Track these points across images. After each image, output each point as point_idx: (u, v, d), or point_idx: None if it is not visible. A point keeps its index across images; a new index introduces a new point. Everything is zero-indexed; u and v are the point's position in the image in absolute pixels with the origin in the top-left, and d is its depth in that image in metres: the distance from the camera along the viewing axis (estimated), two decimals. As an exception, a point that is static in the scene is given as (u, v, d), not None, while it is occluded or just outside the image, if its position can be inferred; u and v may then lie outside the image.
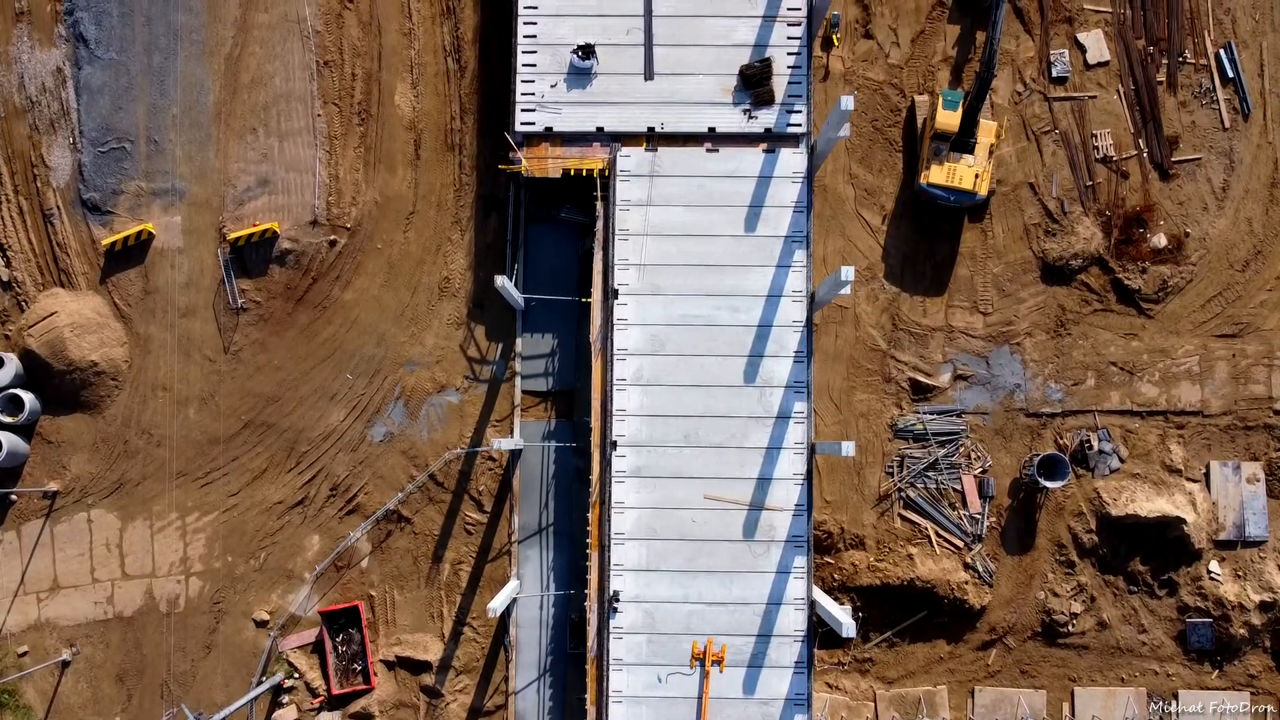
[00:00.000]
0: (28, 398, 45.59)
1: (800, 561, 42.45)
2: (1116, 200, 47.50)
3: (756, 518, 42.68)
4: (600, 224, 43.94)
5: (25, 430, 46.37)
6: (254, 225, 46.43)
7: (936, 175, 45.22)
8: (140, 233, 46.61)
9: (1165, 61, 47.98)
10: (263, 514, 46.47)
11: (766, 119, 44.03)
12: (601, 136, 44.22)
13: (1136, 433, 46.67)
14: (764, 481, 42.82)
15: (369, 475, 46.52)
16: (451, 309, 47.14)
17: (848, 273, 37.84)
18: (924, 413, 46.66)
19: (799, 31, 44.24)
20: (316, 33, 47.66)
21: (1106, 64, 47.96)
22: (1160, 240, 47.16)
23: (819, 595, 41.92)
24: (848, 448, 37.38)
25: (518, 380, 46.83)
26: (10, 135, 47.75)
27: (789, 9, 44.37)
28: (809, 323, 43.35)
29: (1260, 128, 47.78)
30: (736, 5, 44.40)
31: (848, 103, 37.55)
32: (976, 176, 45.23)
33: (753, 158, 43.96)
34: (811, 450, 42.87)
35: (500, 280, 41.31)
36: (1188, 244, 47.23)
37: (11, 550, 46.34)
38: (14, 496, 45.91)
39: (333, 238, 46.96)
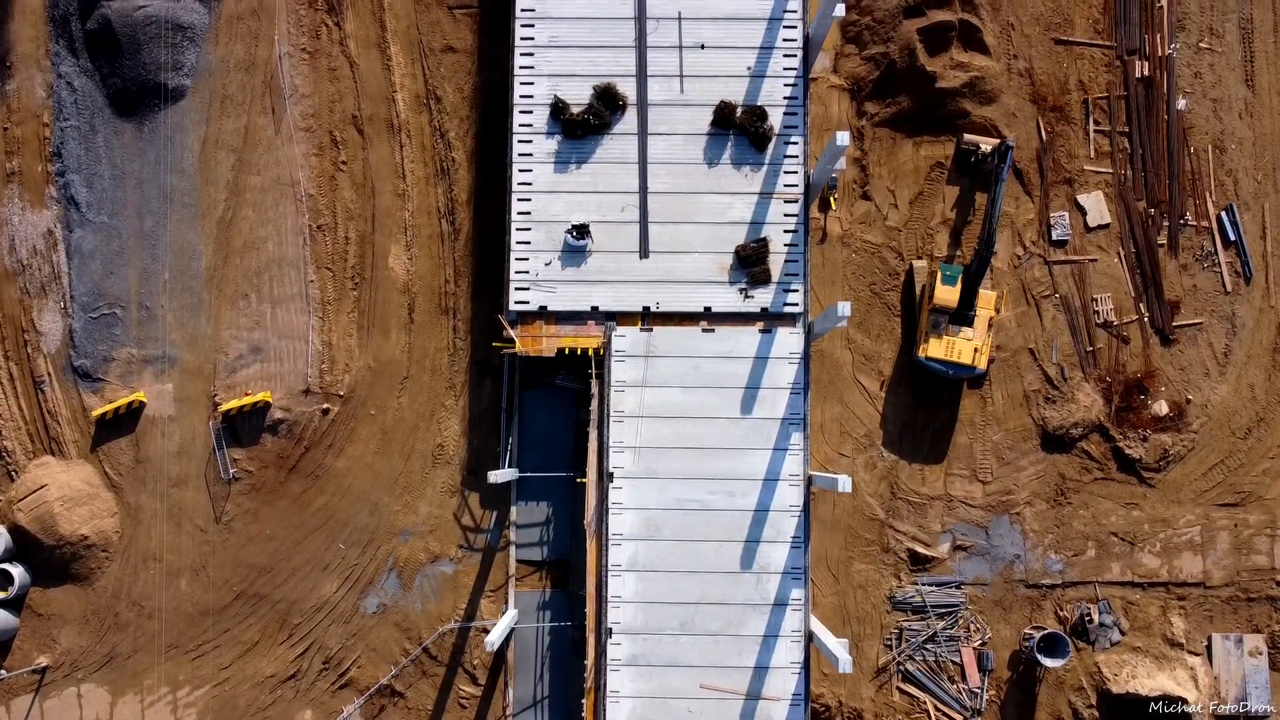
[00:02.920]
0: (17, 572, 45.13)
1: (797, 752, 42.01)
2: (1117, 366, 47.02)
3: (753, 708, 42.15)
4: (595, 404, 43.43)
5: (15, 603, 45.89)
6: (246, 395, 45.98)
7: (935, 349, 44.73)
8: (132, 402, 46.16)
9: (1166, 224, 47.53)
10: (255, 688, 45.97)
11: (763, 298, 43.55)
12: (597, 315, 43.71)
13: (1138, 604, 46.15)
14: (761, 670, 42.29)
15: (362, 648, 46.03)
16: (445, 476, 46.67)
17: (845, 483, 37.53)
18: (923, 584, 46.15)
19: (796, 209, 43.77)
20: (309, 196, 47.22)
21: (1107, 226, 47.50)
22: (1162, 407, 46.68)
23: (816, 787, 41.52)
24: (844, 663, 36.81)
25: (512, 549, 46.34)
26: (0, 299, 47.32)
27: (786, 185, 43.90)
28: (806, 507, 42.85)
29: (1262, 291, 47.32)
30: (732, 182, 43.93)
31: (845, 308, 37.16)
32: (976, 350, 44.75)
33: (749, 338, 43.47)
34: (809, 639, 42.36)
35: (493, 475, 40.90)
36: (1189, 411, 46.74)
37: (1, 726, 45.96)
38: (3, 672, 45.42)
39: (326, 406, 46.50)
